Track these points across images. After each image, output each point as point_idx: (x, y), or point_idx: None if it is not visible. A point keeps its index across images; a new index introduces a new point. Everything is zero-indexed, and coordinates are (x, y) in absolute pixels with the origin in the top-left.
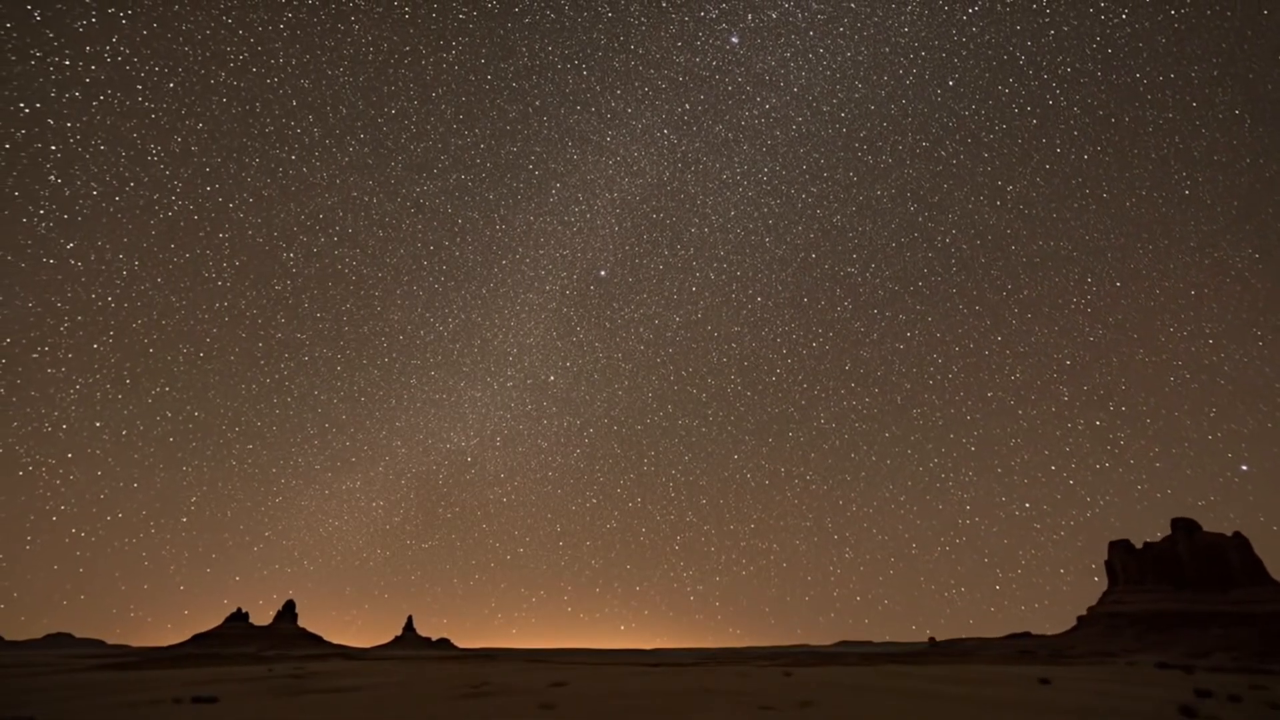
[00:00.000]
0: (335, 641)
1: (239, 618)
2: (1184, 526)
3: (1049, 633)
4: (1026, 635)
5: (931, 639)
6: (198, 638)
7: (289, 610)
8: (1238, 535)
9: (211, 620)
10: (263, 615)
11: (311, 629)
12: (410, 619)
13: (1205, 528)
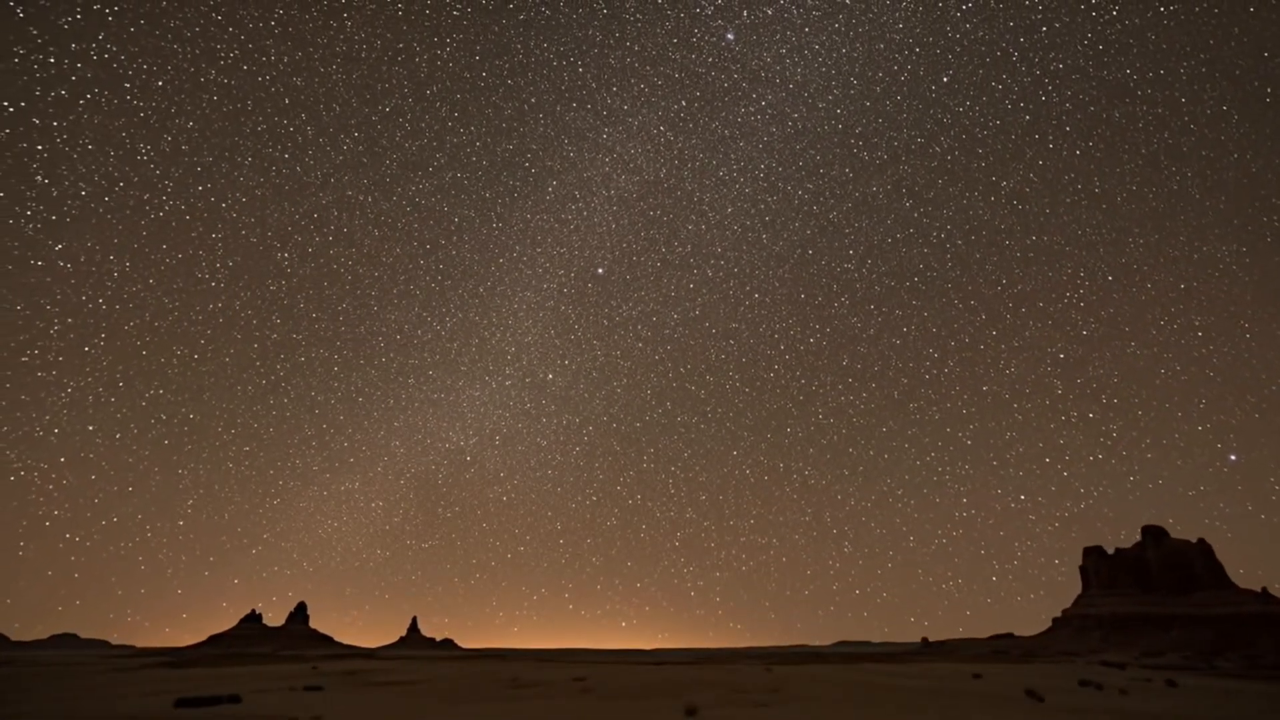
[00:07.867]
0: (346, 642)
1: (252, 619)
2: (1152, 533)
3: (1031, 633)
4: (1009, 636)
5: (924, 640)
6: (214, 638)
7: (300, 612)
8: (1201, 542)
9: (212, 624)
10: (266, 617)
11: (322, 630)
12: (415, 620)
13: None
